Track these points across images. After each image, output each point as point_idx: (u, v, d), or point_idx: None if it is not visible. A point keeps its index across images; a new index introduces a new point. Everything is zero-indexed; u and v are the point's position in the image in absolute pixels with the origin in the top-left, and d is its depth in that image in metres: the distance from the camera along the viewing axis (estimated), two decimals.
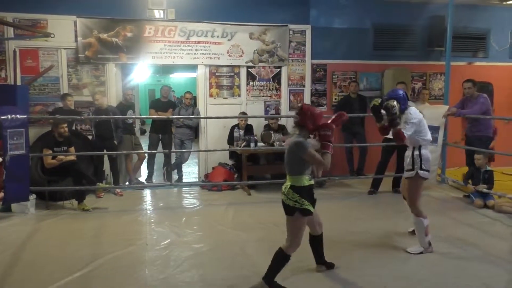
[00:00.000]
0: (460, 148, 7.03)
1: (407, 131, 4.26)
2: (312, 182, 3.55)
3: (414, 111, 4.40)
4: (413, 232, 4.60)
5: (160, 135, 7.66)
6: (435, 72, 8.69)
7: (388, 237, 4.91)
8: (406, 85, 7.22)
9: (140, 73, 8.39)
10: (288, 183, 3.49)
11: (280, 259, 3.50)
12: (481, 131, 6.57)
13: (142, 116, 7.68)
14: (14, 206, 5.78)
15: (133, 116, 7.41)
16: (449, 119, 7.06)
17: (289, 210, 3.45)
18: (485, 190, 6.06)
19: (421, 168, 4.34)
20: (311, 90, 8.20)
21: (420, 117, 4.38)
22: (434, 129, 6.68)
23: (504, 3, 8.16)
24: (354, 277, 3.83)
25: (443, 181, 7.38)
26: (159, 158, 8.31)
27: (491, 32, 8.85)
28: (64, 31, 7.12)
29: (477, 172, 6.32)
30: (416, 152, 4.39)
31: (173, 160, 7.71)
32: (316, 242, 3.88)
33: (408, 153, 4.50)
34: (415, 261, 4.21)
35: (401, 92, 4.45)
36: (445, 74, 7.63)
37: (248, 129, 7.51)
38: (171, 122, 7.73)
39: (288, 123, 7.95)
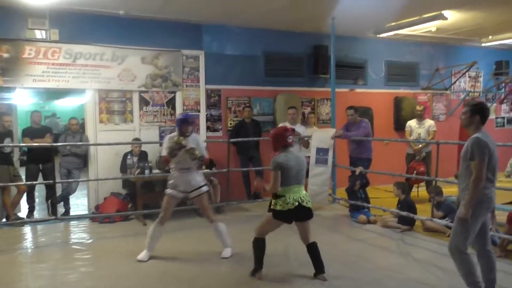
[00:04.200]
0: (346, 168, 7.48)
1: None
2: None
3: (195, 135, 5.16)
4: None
5: (40, 165, 6.99)
6: (322, 98, 9.24)
7: (284, 256, 4.98)
8: (297, 109, 7.56)
9: (20, 98, 7.63)
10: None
11: None
12: (362, 153, 7.10)
13: (22, 144, 6.93)
14: None
15: (11, 144, 6.67)
16: (336, 141, 7.49)
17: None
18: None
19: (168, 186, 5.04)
20: (206, 115, 8.19)
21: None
22: (324, 151, 7.08)
23: (378, 35, 9.03)
24: None
25: (334, 201, 7.76)
26: (41, 191, 7.57)
27: (368, 62, 9.72)
28: None
29: (355, 192, 6.77)
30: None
31: (59, 192, 7.06)
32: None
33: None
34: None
35: (179, 117, 5.15)
36: (331, 100, 8.14)
37: (142, 155, 7.20)
38: (53, 150, 7.10)
39: None
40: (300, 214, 4.15)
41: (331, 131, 7.32)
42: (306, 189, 7.08)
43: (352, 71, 9.51)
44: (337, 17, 7.42)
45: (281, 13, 7.40)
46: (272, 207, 4.16)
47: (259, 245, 4.27)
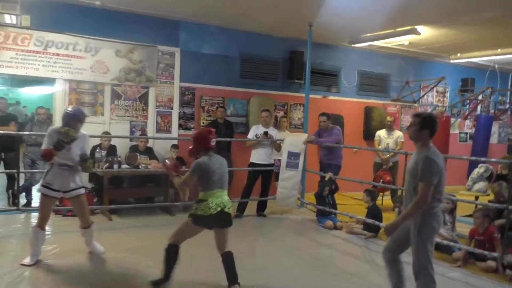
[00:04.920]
0: (316, 173, 7.56)
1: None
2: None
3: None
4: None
5: (2, 153, 6.75)
6: (296, 103, 9.32)
7: (252, 259, 4.99)
8: (270, 112, 7.59)
9: None
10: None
11: None
12: (332, 159, 7.20)
13: None
14: None
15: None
16: (307, 146, 7.56)
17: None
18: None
19: (41, 184, 4.61)
20: (179, 113, 8.11)
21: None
22: (295, 155, 7.14)
23: (353, 45, 9.19)
24: None
25: (302, 205, 7.83)
26: (2, 181, 7.30)
27: (341, 70, 9.88)
28: None
29: (323, 197, 6.85)
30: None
31: (21, 183, 6.82)
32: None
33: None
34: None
35: (68, 111, 4.61)
36: (304, 105, 8.23)
37: (111, 149, 7.07)
38: (16, 139, 6.86)
39: (155, 144, 7.71)
40: (222, 220, 3.88)
41: (303, 136, 7.40)
42: (275, 192, 7.26)
43: (326, 78, 9.63)
44: (314, 24, 7.52)
45: (260, 16, 7.43)
46: (192, 211, 3.89)
47: (172, 253, 3.90)
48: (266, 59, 8.91)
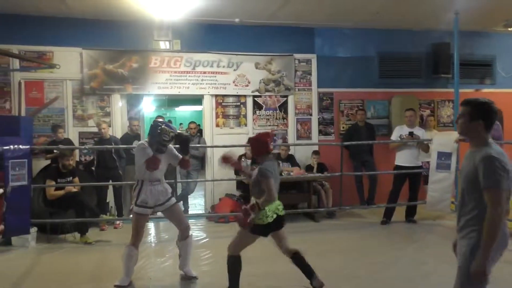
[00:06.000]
0: None
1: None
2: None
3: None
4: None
5: None
6: (443, 99, 8.59)
7: (403, 268, 4.67)
8: (415, 111, 7.11)
9: (146, 105, 8.41)
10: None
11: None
12: None
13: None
14: (14, 239, 5.59)
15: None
16: (460, 145, 6.87)
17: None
18: None
19: (135, 204, 4.26)
20: (318, 118, 8.11)
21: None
22: (446, 156, 6.54)
23: (510, 29, 8.13)
24: None
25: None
26: None
27: (496, 58, 8.81)
28: (69, 63, 7.12)
29: None
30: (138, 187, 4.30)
31: (178, 192, 7.53)
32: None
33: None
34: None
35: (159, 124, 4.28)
36: (454, 101, 7.53)
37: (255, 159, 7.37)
38: None
39: (296, 152, 7.82)
40: (277, 224, 3.76)
41: (455, 134, 6.73)
42: (424, 196, 6.73)
43: (478, 70, 8.69)
44: (461, 11, 6.85)
45: (397, 11, 7.05)
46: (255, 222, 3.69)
47: (235, 264, 3.82)
48: (407, 56, 8.41)
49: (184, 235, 4.49)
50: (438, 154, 6.59)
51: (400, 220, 6.76)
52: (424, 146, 6.74)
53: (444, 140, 6.68)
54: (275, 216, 3.71)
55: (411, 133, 6.64)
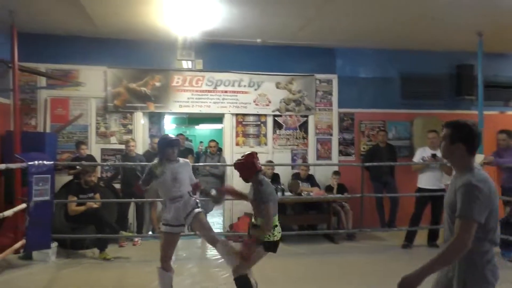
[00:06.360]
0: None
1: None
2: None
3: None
4: None
5: None
6: None
7: None
8: (437, 133, 6.99)
9: (167, 123, 8.52)
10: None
11: None
12: None
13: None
14: (35, 253, 5.65)
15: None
16: (485, 169, 6.73)
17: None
18: None
19: (162, 222, 4.25)
20: (338, 139, 8.06)
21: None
22: None
23: None
24: None
25: None
26: None
27: None
28: (94, 81, 7.29)
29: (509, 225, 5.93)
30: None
31: None
32: None
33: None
34: None
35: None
36: (478, 123, 7.39)
37: (275, 178, 7.34)
38: (194, 170, 7.60)
39: (316, 172, 7.76)
40: (278, 245, 3.79)
41: (479, 157, 6.58)
42: None
43: (503, 91, 8.54)
44: (485, 32, 6.78)
45: (419, 32, 7.03)
46: (266, 239, 3.68)
47: (245, 282, 3.74)
48: (430, 77, 8.33)
49: (212, 244, 4.35)
50: None
51: (422, 244, 6.61)
52: (447, 169, 6.60)
53: None
54: (280, 234, 3.75)
55: (434, 155, 6.53)
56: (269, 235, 3.66)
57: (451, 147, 2.41)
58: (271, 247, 3.71)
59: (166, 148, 4.24)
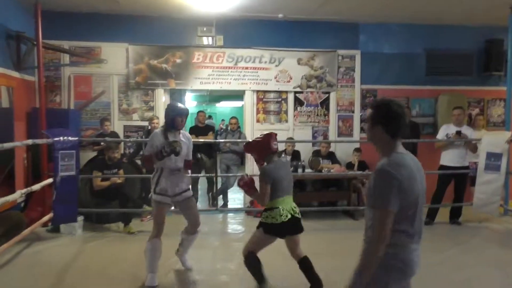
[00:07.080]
0: None
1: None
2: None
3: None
4: None
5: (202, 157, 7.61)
6: (494, 98, 8.23)
7: (444, 271, 4.51)
8: (463, 110, 6.83)
9: (188, 101, 8.57)
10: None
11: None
12: None
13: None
14: (62, 227, 5.84)
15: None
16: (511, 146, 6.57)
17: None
18: None
19: (154, 192, 4.15)
20: (360, 116, 7.96)
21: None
22: (495, 156, 6.27)
23: None
24: None
25: (506, 212, 6.83)
26: (203, 184, 8.26)
27: None
28: (116, 58, 7.34)
29: None
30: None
31: (219, 186, 7.61)
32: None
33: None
34: None
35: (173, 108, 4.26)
36: (506, 100, 7.19)
37: (295, 155, 7.33)
38: (214, 147, 7.66)
39: (337, 149, 7.72)
40: (294, 227, 3.71)
41: (506, 135, 6.43)
42: (471, 198, 6.48)
43: None
44: None
45: (446, 5, 6.80)
46: (262, 220, 3.72)
47: (252, 261, 3.78)
48: (456, 52, 8.09)
49: (193, 230, 4.42)
50: (487, 154, 6.33)
51: (444, 221, 6.55)
52: (472, 146, 6.48)
53: (495, 140, 6.40)
54: (289, 216, 3.66)
55: (458, 132, 6.40)
56: (266, 217, 3.66)
57: (372, 129, 2.21)
58: (272, 230, 3.68)
59: (176, 117, 4.12)
